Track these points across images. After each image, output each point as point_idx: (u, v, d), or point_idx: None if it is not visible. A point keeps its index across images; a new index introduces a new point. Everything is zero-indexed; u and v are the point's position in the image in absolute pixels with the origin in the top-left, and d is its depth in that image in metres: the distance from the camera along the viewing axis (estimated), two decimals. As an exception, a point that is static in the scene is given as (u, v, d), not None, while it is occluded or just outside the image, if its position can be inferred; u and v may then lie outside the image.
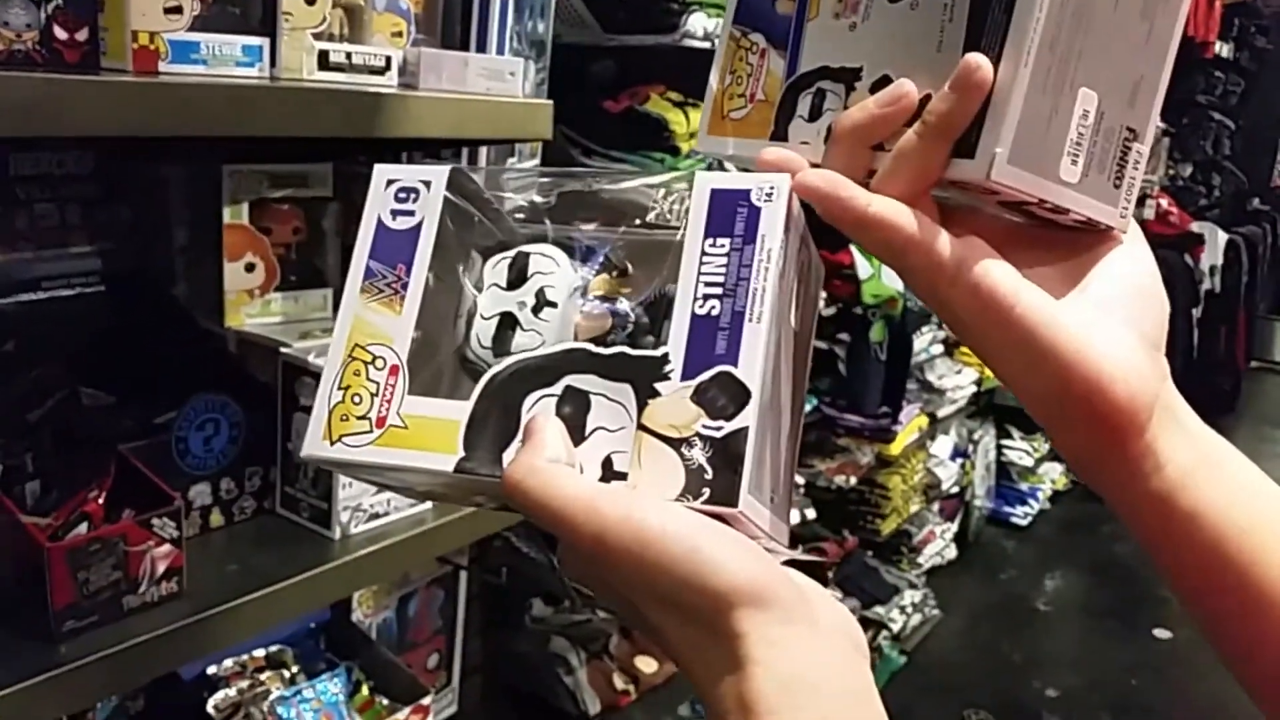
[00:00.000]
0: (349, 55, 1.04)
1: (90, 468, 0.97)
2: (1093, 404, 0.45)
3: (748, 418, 0.43)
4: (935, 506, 3.42)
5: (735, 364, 0.44)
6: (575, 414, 0.46)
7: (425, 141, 1.29)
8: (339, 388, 0.49)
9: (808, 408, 2.45)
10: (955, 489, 3.49)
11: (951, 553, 3.55)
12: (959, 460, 3.49)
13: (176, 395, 1.05)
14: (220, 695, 1.24)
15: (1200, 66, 5.03)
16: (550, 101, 1.20)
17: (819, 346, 2.63)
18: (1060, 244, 0.48)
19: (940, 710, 2.87)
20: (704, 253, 0.46)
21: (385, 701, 1.35)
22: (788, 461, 0.51)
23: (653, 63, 1.92)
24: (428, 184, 0.52)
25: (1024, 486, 4.10)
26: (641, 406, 0.45)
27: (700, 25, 1.80)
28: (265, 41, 0.96)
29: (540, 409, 0.46)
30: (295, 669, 1.32)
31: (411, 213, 0.51)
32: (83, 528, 0.90)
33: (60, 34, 0.87)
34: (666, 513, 0.42)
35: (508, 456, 0.45)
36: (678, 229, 0.48)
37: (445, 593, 1.62)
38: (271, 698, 1.24)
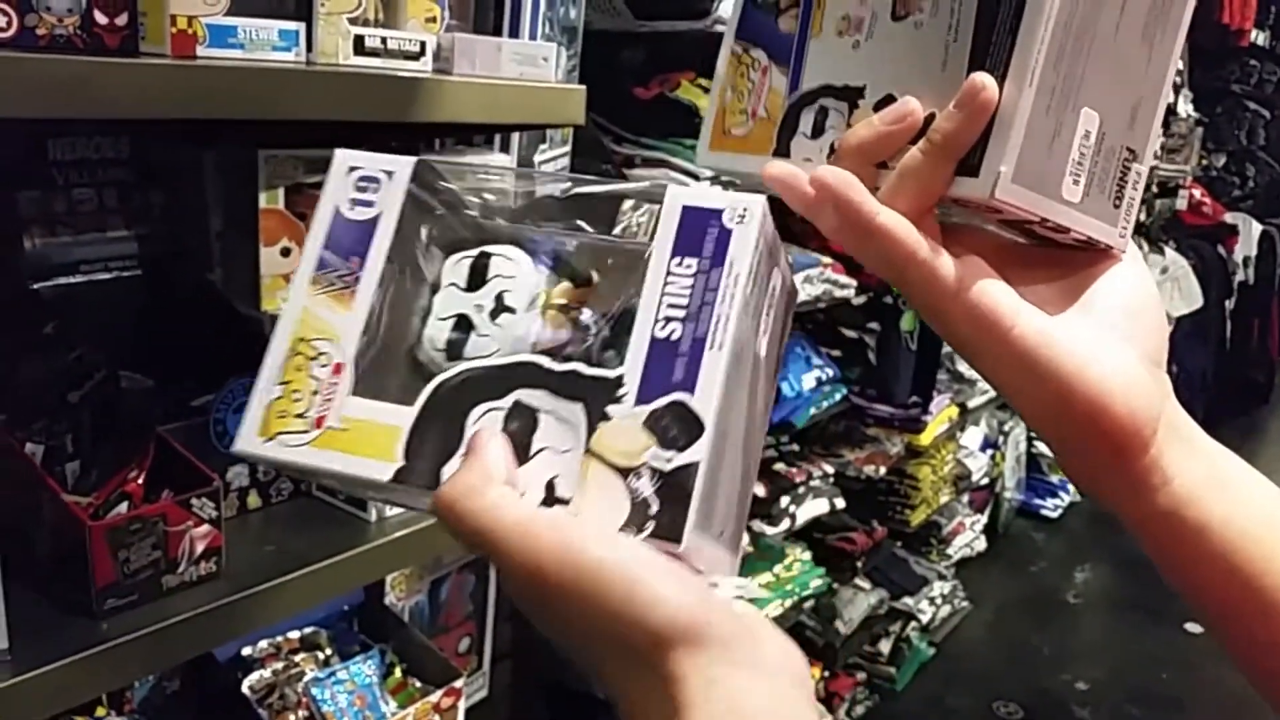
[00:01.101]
0: (384, 40, 1.04)
1: (129, 449, 0.97)
2: (1094, 422, 0.45)
3: (699, 451, 0.42)
4: (965, 498, 3.40)
5: (692, 392, 0.42)
6: (522, 431, 0.44)
7: (458, 127, 1.29)
8: (279, 383, 0.47)
9: (837, 396, 2.44)
10: (985, 480, 3.47)
11: (981, 544, 3.53)
12: (989, 451, 3.48)
13: (214, 378, 1.06)
14: (255, 676, 1.25)
15: (1235, 54, 4.98)
16: (583, 87, 1.20)
17: (849, 335, 2.62)
18: (1060, 263, 0.48)
19: (968, 701, 2.86)
20: (669, 272, 0.44)
21: (418, 684, 1.36)
22: (742, 493, 0.49)
23: (683, 49, 1.92)
24: (390, 174, 0.50)
25: (1054, 479, 4.07)
26: (591, 429, 0.43)
27: (731, 12, 1.79)
28: (301, 26, 0.96)
29: (486, 423, 0.44)
30: (329, 651, 1.33)
31: (371, 203, 0.49)
32: (123, 507, 0.91)
33: (100, 19, 0.87)
34: (605, 544, 0.40)
35: (447, 472, 0.43)
36: (647, 242, 0.46)
37: (476, 577, 1.63)
38: (306, 679, 1.25)
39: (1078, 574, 3.67)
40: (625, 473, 0.42)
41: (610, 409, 0.43)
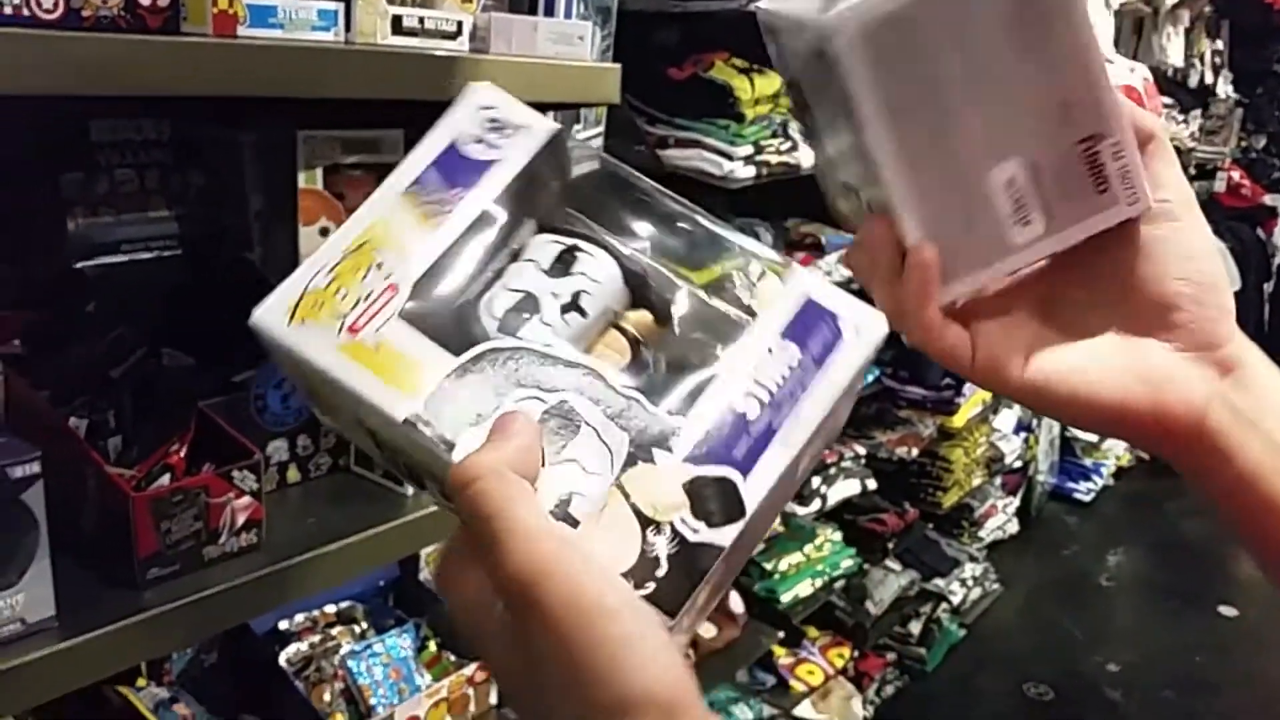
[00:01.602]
0: (421, 20, 1.05)
1: (171, 424, 0.99)
2: (1150, 439, 0.47)
3: (727, 536, 0.40)
4: (998, 481, 3.39)
5: (745, 476, 0.41)
6: (558, 434, 0.41)
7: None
8: (328, 273, 0.44)
9: (869, 378, 2.44)
10: (1018, 463, 3.45)
11: (1013, 527, 3.52)
12: (1022, 434, 3.46)
13: (253, 356, 1.07)
14: (292, 649, 1.27)
15: (1276, 35, 4.89)
16: (618, 65, 1.20)
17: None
18: (1098, 250, 0.48)
19: (999, 683, 2.86)
20: (770, 350, 0.43)
21: (452, 658, 1.38)
22: (738, 561, 0.47)
23: (717, 29, 1.92)
24: (525, 128, 0.47)
25: (1088, 462, 4.05)
26: (628, 465, 0.41)
27: (766, -9, 1.79)
28: (340, 6, 0.97)
29: (525, 409, 0.41)
30: (365, 625, 1.35)
31: (495, 146, 0.47)
32: (165, 479, 0.92)
33: (143, 0, 0.88)
34: (613, 584, 0.38)
35: (465, 436, 0.41)
36: (741, 311, 0.45)
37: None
38: (342, 652, 1.27)
39: (1110, 558, 3.65)
40: (646, 523, 0.40)
41: (656, 453, 0.41)
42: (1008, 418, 3.39)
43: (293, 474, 1.10)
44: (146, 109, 1.19)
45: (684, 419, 0.42)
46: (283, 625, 1.34)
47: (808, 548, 2.44)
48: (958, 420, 2.86)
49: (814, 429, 0.43)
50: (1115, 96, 0.45)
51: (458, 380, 0.42)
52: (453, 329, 0.43)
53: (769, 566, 2.34)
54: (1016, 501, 3.55)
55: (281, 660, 1.27)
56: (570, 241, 0.46)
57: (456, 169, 0.46)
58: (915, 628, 2.83)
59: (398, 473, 0.48)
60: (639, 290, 0.46)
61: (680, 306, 0.46)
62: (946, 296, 0.45)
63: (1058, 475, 3.96)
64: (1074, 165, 0.45)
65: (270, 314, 0.44)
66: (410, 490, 1.08)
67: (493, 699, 1.41)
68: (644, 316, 0.46)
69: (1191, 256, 0.47)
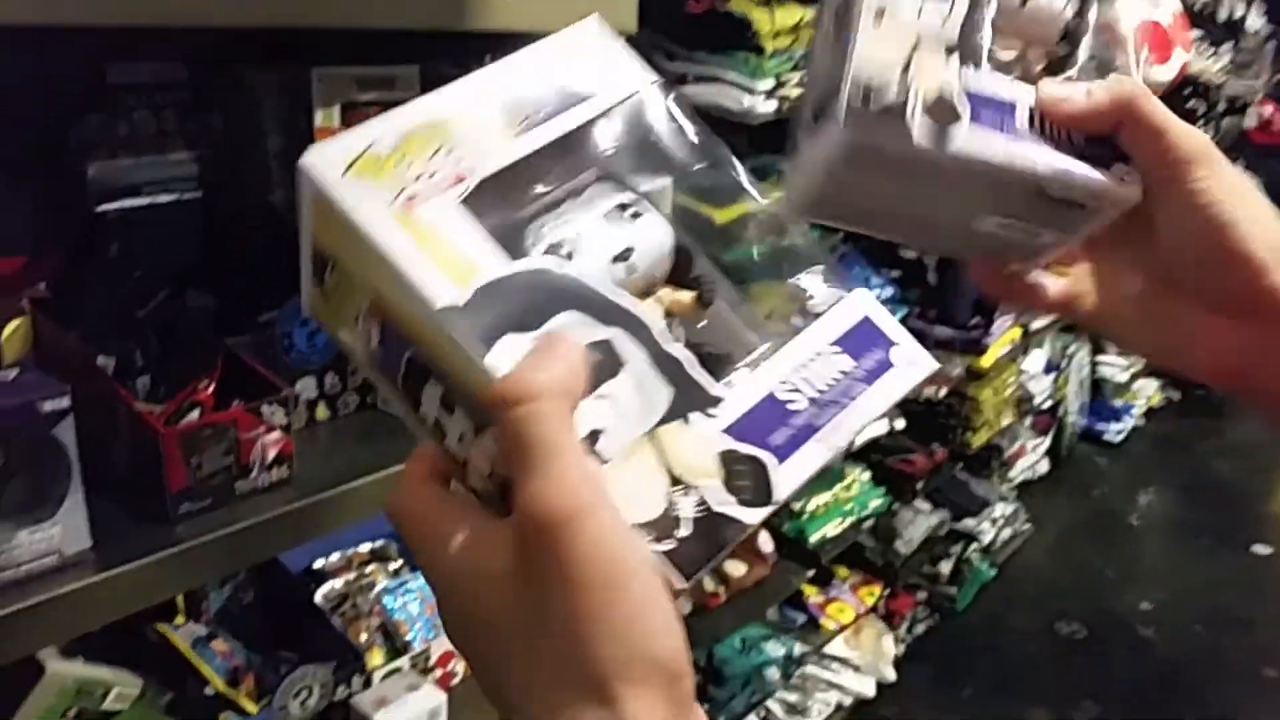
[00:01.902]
0: (434, -52, 1.04)
1: (197, 362, 0.99)
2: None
3: (755, 517, 0.40)
4: (1027, 421, 3.37)
5: (780, 463, 0.41)
6: (597, 370, 0.39)
7: (506, 37, 1.28)
8: (396, 137, 0.41)
9: (896, 317, 2.41)
10: (1048, 404, 3.43)
11: (1044, 468, 3.51)
12: (1052, 375, 3.43)
13: (276, 297, 1.07)
14: (328, 587, 1.28)
15: (1311, -41, 4.76)
16: (634, -7, 1.18)
17: (909, 255, 2.58)
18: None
19: (1031, 621, 2.86)
20: (819, 353, 0.43)
21: (485, 595, 1.39)
22: (749, 537, 0.47)
23: (735, -40, 1.88)
24: (627, 73, 0.46)
25: (1118, 403, 4.02)
26: (665, 420, 0.40)
27: (784, -80, 1.76)
28: (352, -67, 0.96)
29: (576, 334, 0.39)
30: (399, 562, 1.36)
31: (594, 81, 0.46)
32: (194, 415, 0.93)
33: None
34: (635, 544, 0.36)
35: (505, 343, 0.38)
36: (788, 332, 0.44)
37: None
38: (377, 589, 1.28)
39: (1141, 497, 3.63)
40: (675, 481, 0.39)
41: (693, 416, 0.40)
42: (1037, 358, 3.36)
43: (321, 412, 1.10)
44: (163, 50, 1.19)
45: (728, 390, 0.41)
46: (318, 564, 1.35)
47: (836, 488, 2.43)
48: (986, 360, 2.83)
49: (850, 439, 0.43)
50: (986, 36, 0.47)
51: (505, 285, 0.40)
52: (508, 237, 0.42)
53: (796, 507, 2.35)
54: (1047, 442, 3.53)
55: (318, 597, 1.28)
56: (633, 197, 0.46)
57: (552, 89, 0.45)
58: (946, 567, 2.83)
59: (382, 380, 0.44)
60: (682, 268, 0.46)
61: (723, 296, 0.45)
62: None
63: (1088, 416, 3.93)
64: (1050, 207, 0.47)
65: (324, 159, 0.41)
66: (438, 425, 1.08)
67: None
68: (682, 295, 0.45)
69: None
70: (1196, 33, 3.99)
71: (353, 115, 1.21)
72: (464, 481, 0.41)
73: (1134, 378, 4.03)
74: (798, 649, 2.41)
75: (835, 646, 2.46)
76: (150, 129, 1.20)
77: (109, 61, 1.16)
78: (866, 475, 2.55)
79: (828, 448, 0.42)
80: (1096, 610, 2.92)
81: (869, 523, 2.59)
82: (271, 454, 0.93)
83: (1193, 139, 0.47)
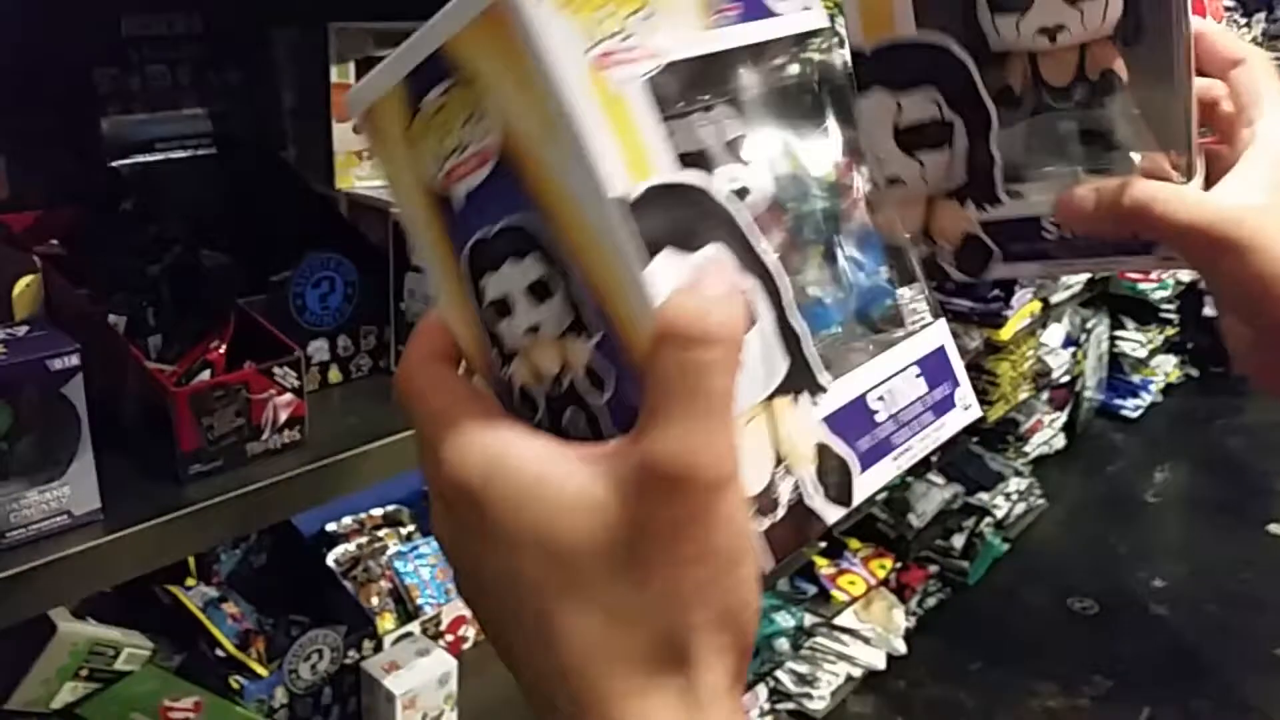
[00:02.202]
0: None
1: (210, 321, 0.98)
2: None
3: (832, 515, 0.39)
4: (1044, 395, 3.34)
5: (861, 471, 0.40)
6: None
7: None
8: None
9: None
10: (1065, 378, 3.40)
11: (1060, 443, 3.48)
12: (1070, 349, 3.40)
13: (291, 255, 1.06)
14: (340, 550, 1.28)
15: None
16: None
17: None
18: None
19: (1043, 596, 2.85)
20: (903, 370, 0.43)
21: (497, 561, 1.38)
22: None
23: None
24: (809, 10, 0.43)
25: (1136, 379, 3.98)
26: (780, 392, 0.37)
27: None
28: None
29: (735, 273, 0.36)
30: (411, 527, 1.36)
31: (783, 3, 0.41)
32: (205, 375, 0.91)
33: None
34: (747, 512, 0.35)
35: (666, 265, 0.34)
36: (895, 332, 0.43)
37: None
38: (389, 552, 1.27)
39: (1157, 474, 3.60)
40: (779, 460, 0.37)
41: (801, 398, 0.38)
42: (1056, 332, 3.33)
43: (334, 374, 1.09)
44: (179, 2, 1.17)
45: (832, 379, 0.39)
46: (330, 527, 1.34)
47: (851, 460, 2.42)
48: (1004, 333, 2.80)
49: (906, 466, 0.42)
50: None
51: (666, 195, 0.35)
52: (681, 141, 0.37)
53: (812, 478, 2.33)
54: (1063, 417, 3.50)
55: (330, 561, 1.27)
56: (743, 133, 0.41)
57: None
58: (958, 541, 2.81)
59: (435, 225, 0.38)
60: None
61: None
62: None
63: (1105, 391, 3.89)
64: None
65: None
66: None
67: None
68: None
69: None
70: (1229, 1, 3.91)
71: (369, 71, 1.19)
72: (486, 373, 0.37)
73: (1153, 353, 3.99)
74: (808, 620, 2.40)
75: (846, 618, 2.45)
76: (164, 83, 1.18)
77: (123, 13, 1.14)
78: (881, 447, 2.53)
79: (897, 467, 0.41)
80: (1109, 586, 2.90)
81: (882, 495, 2.57)
82: (283, 416, 0.92)
83: (1217, 227, 0.48)
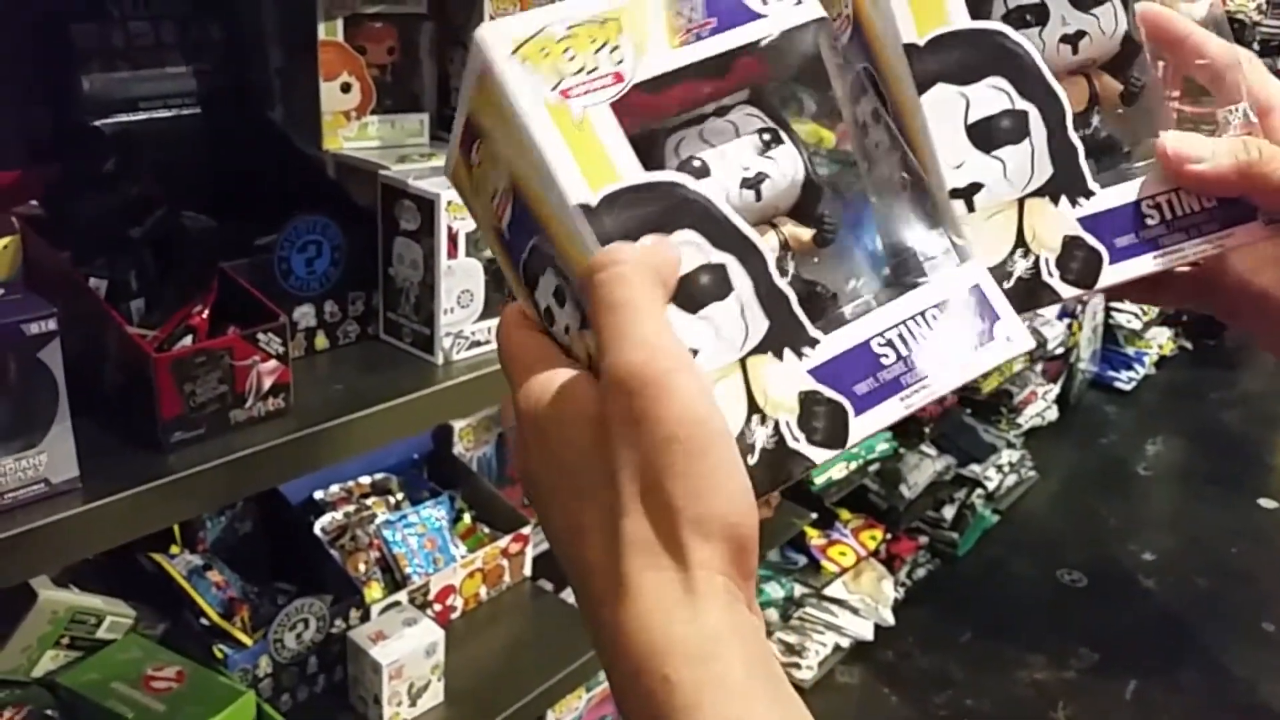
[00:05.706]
0: None
1: (193, 285, 0.96)
2: None
3: (821, 456, 0.41)
4: (1038, 367, 3.34)
5: (858, 414, 0.41)
6: (705, 291, 0.40)
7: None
8: (567, 28, 0.41)
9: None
10: (1060, 350, 3.39)
11: (1052, 414, 3.48)
12: (1065, 321, 3.39)
13: (276, 217, 1.03)
14: (327, 518, 1.26)
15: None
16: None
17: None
18: None
19: (1032, 569, 2.85)
20: (922, 313, 0.44)
21: (487, 530, 1.37)
22: None
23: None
24: (798, 3, 0.45)
25: (1130, 351, 3.98)
26: (757, 351, 0.41)
27: None
28: None
29: (686, 253, 0.40)
30: (400, 496, 1.34)
31: (767, 3, 0.44)
32: (187, 341, 0.89)
33: None
34: (723, 418, 0.37)
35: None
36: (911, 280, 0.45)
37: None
38: (377, 521, 1.25)
39: (1149, 447, 3.61)
40: (754, 409, 0.40)
41: (786, 353, 0.41)
42: (1050, 303, 3.32)
43: (320, 341, 1.07)
44: (161, -43, 1.13)
45: (823, 335, 0.42)
46: (318, 495, 1.33)
47: (844, 430, 2.41)
48: (1000, 304, 2.79)
49: (929, 401, 0.43)
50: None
51: (635, 195, 0.40)
52: (649, 145, 0.43)
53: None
54: (1056, 389, 3.49)
55: (316, 529, 1.26)
56: (774, 126, 0.46)
57: (723, 3, 0.44)
58: (948, 512, 2.81)
59: (504, 257, 0.45)
60: (807, 204, 0.46)
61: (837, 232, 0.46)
62: None
63: (1099, 364, 3.89)
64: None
65: (498, 35, 0.41)
66: (440, 358, 1.05)
67: (526, 570, 1.40)
68: (801, 232, 0.45)
69: None
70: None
71: (357, 30, 1.16)
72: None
73: (1147, 325, 3.99)
74: (798, 590, 2.40)
75: (835, 589, 2.45)
76: (147, 40, 1.15)
77: (105, -33, 1.10)
78: (874, 418, 2.52)
79: (906, 406, 0.42)
80: (1099, 559, 2.91)
81: (875, 466, 2.57)
82: (268, 383, 0.90)
83: None
